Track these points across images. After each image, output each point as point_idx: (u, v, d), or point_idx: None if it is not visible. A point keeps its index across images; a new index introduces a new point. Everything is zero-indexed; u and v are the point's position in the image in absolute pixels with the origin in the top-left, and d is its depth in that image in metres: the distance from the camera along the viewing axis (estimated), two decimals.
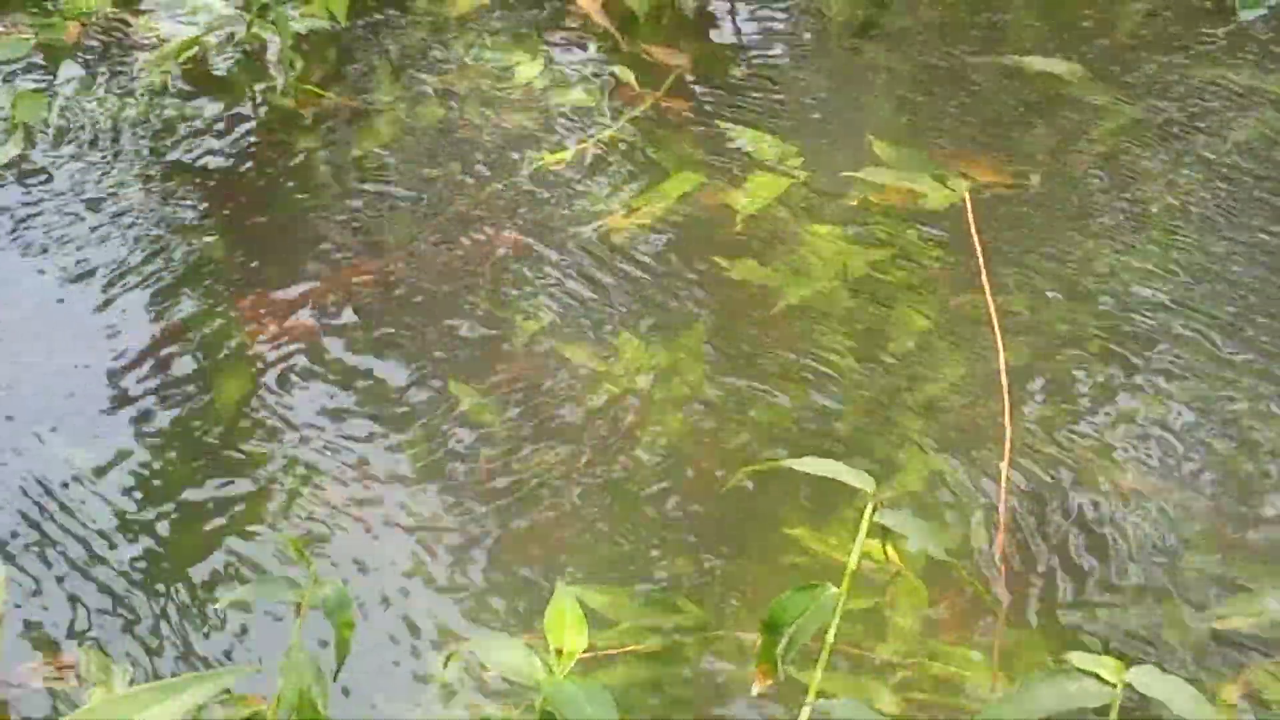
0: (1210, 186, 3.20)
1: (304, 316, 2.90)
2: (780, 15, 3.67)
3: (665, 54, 3.48)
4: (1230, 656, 2.41)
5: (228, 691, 2.29)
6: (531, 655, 2.01)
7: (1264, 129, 3.33)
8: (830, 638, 2.04)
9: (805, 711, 2.07)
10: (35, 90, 3.31)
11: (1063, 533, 2.57)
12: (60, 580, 2.46)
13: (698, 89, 3.44)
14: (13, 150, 3.18)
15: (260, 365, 2.81)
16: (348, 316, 2.90)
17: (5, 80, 3.35)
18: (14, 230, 3.05)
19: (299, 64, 3.43)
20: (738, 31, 3.62)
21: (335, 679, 2.21)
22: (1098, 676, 1.99)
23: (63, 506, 2.56)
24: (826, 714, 2.00)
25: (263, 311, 2.90)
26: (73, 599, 2.43)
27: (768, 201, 3.12)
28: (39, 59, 3.42)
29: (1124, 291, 2.98)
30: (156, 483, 2.61)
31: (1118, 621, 2.45)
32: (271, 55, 3.45)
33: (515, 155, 3.24)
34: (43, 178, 3.15)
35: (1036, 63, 3.48)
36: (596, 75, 3.46)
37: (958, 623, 2.44)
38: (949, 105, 3.39)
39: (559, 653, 2.01)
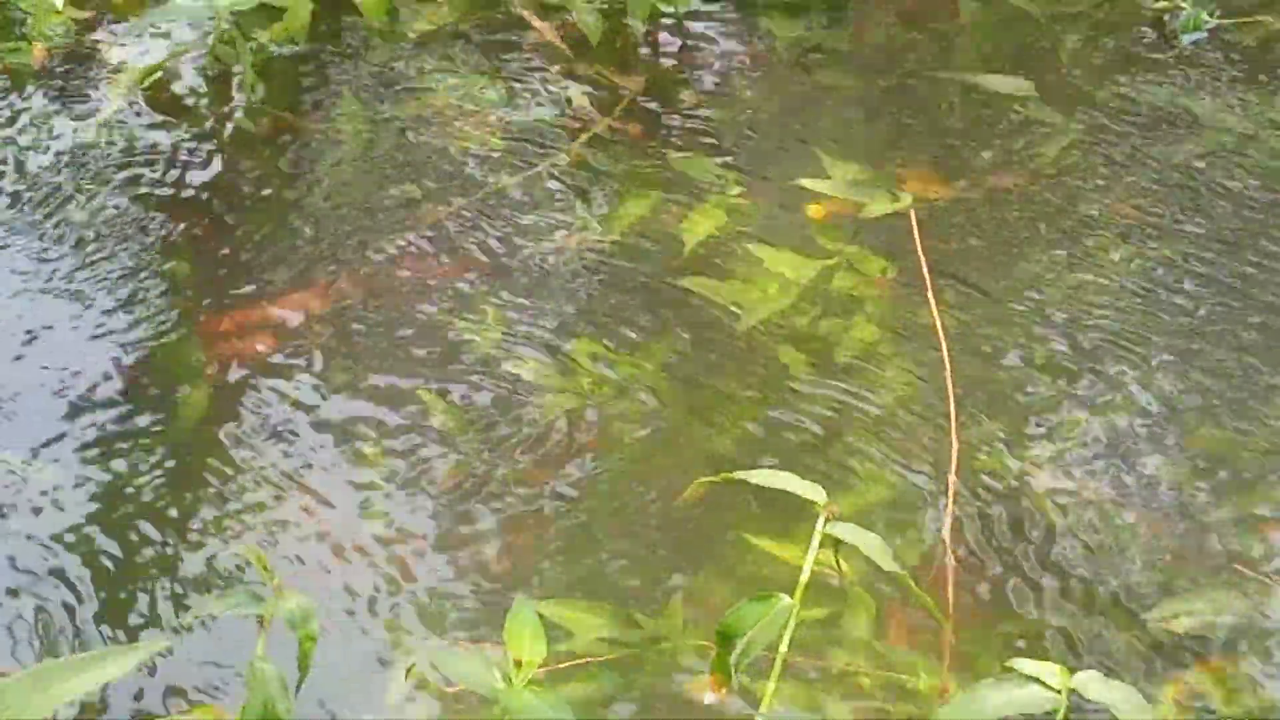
0: (1152, 204, 3.22)
1: (266, 334, 2.90)
2: (728, 37, 3.68)
3: (619, 77, 3.49)
4: (1171, 659, 2.44)
5: (193, 703, 2.31)
6: (491, 666, 2.02)
7: (1204, 148, 3.35)
8: (783, 647, 2.06)
9: None
10: None
11: (1009, 541, 2.59)
12: (22, 587, 2.47)
13: (651, 110, 3.45)
14: None
15: (221, 381, 2.82)
16: (308, 333, 2.91)
17: None
18: None
19: (260, 87, 3.43)
20: (688, 54, 3.63)
21: (299, 691, 2.22)
22: (1043, 682, 2.01)
23: (23, 515, 2.58)
24: None
25: (225, 330, 2.91)
26: (37, 607, 2.44)
27: (721, 218, 3.13)
28: (4, 83, 3.41)
29: (1069, 305, 3.00)
30: (117, 496, 2.61)
31: (1063, 626, 2.47)
32: (234, 79, 3.44)
33: (474, 176, 3.24)
34: (6, 200, 3.15)
35: (985, 80, 3.50)
36: (553, 97, 3.47)
37: (908, 630, 2.46)
38: (897, 122, 3.42)
39: (518, 663, 2.02)
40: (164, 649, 2.35)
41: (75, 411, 2.76)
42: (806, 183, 3.21)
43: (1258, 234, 3.17)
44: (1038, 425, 2.79)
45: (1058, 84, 3.50)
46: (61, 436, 2.71)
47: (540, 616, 2.08)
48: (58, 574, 2.49)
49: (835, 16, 3.73)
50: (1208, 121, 3.42)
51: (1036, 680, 2.02)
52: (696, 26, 3.70)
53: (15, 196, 3.16)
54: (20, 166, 3.23)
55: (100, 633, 2.40)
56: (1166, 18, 3.68)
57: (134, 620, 2.43)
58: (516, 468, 2.68)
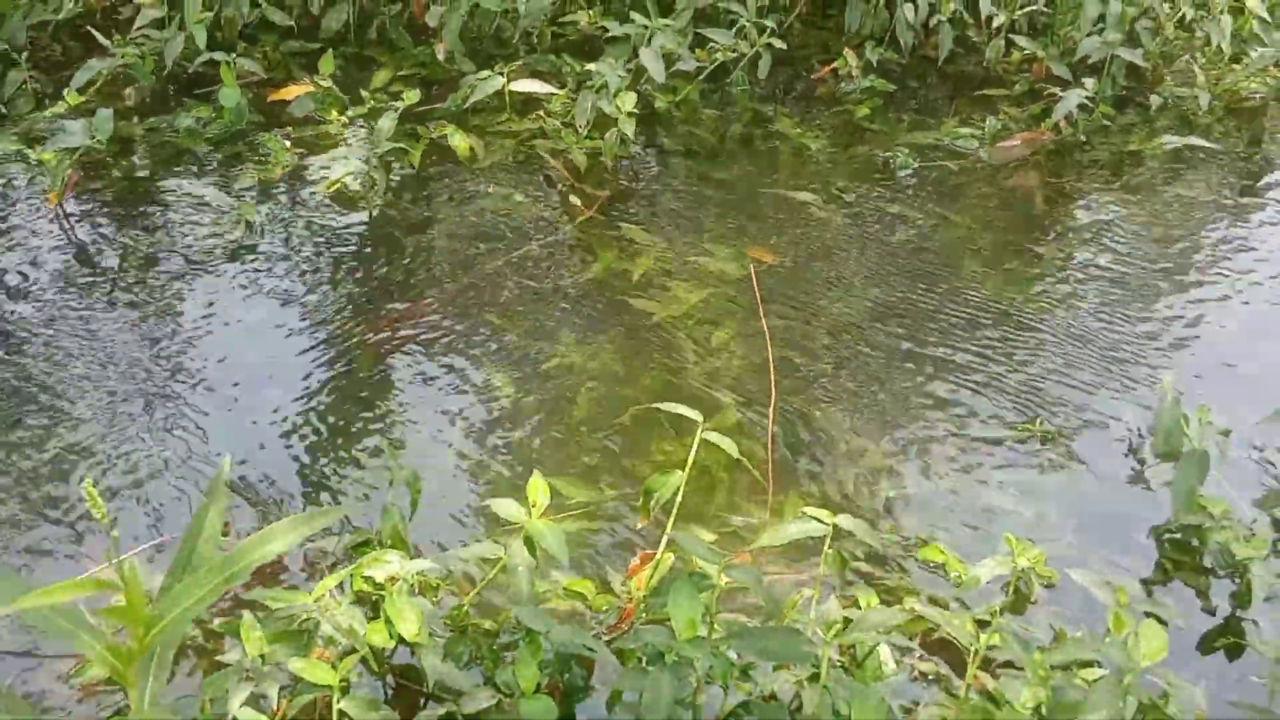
0: (884, 263, 3.24)
1: (400, 323, 2.90)
2: (657, 170, 3.67)
3: (596, 190, 3.48)
4: (892, 509, 2.46)
5: (351, 526, 2.30)
6: (519, 507, 2.03)
7: (911, 234, 3.37)
8: (678, 499, 2.06)
9: (664, 540, 2.08)
10: (250, 202, 3.28)
11: (803, 444, 2.61)
12: (261, 462, 2.46)
13: (614, 208, 3.43)
14: (238, 233, 3.16)
15: (381, 350, 2.82)
16: (423, 324, 2.91)
17: (239, 198, 3.31)
18: (241, 278, 3.03)
19: (394, 191, 3.41)
20: (635, 178, 3.62)
21: (411, 520, 2.22)
22: (820, 520, 2.02)
23: (271, 422, 2.56)
24: (675, 541, 2.02)
25: (382, 323, 2.90)
26: (265, 474, 2.43)
27: (650, 267, 3.13)
28: (259, 188, 3.39)
29: (838, 318, 3.02)
30: (324, 414, 2.61)
31: (833, 491, 2.48)
32: (379, 186, 3.42)
33: (513, 241, 3.23)
34: (261, 252, 3.13)
35: (791, 194, 3.50)
36: (559, 200, 3.45)
37: (748, 494, 2.47)
38: (744, 217, 3.41)
39: (533, 505, 2.02)
40: (350, 511, 2.35)
41: (300, 364, 2.75)
42: (697, 259, 3.20)
43: (936, 278, 3.19)
44: (820, 382, 2.81)
45: (831, 197, 3.51)
46: (293, 377, 2.71)
47: (547, 483, 2.08)
48: (285, 451, 2.49)
49: (714, 159, 3.72)
50: (911, 219, 3.44)
51: (816, 519, 2.03)
52: (640, 163, 3.68)
53: (266, 251, 3.14)
54: (266, 231, 3.20)
55: (307, 495, 2.40)
56: (890, 160, 3.68)
57: (331, 482, 2.42)
58: (534, 402, 2.68)
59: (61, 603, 1.47)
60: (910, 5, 4.05)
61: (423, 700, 1.98)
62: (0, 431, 2.49)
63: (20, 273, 2.98)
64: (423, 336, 2.87)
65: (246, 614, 1.91)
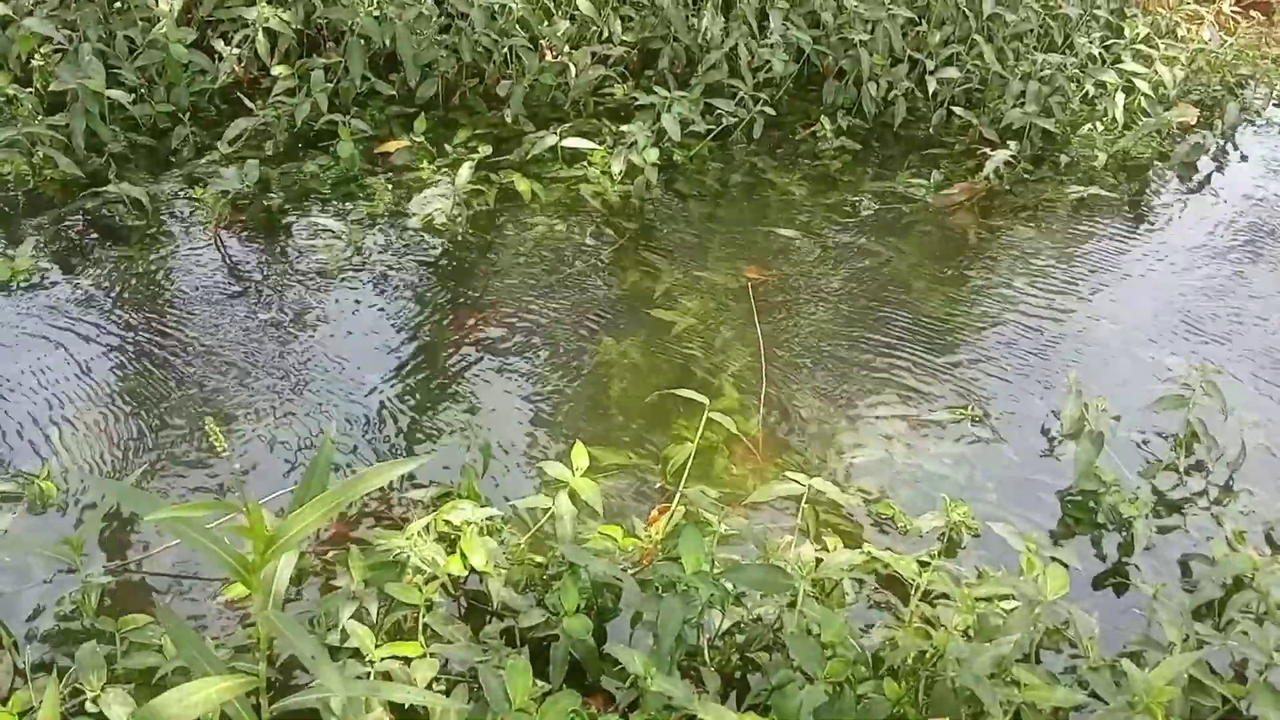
0: (850, 284, 3.20)
1: (477, 324, 2.87)
2: (674, 209, 3.63)
3: (628, 224, 3.44)
4: (858, 474, 2.43)
5: (432, 481, 2.28)
6: (565, 468, 2.01)
7: (872, 261, 3.33)
8: (689, 464, 2.05)
9: (677, 495, 2.07)
10: (360, 230, 3.26)
11: (788, 421, 2.57)
12: (363, 424, 2.44)
13: (641, 238, 3.40)
14: (350, 253, 3.14)
15: (460, 344, 2.78)
16: (487, 323, 2.87)
17: (352, 226, 3.28)
18: (352, 286, 3.01)
19: (471, 223, 3.38)
20: (657, 214, 3.59)
21: (482, 476, 2.20)
22: (798, 482, 2.00)
23: (369, 395, 2.54)
24: (685, 495, 2.01)
25: (459, 323, 2.87)
26: (366, 435, 2.41)
27: (668, 285, 3.10)
28: (367, 218, 3.36)
29: (808, 322, 2.97)
30: (413, 389, 2.59)
31: (809, 460, 2.45)
32: (460, 219, 3.39)
33: (566, 260, 3.20)
34: (366, 270, 3.11)
35: (779, 230, 3.46)
36: (599, 232, 3.42)
37: (741, 460, 2.44)
38: (742, 246, 3.37)
39: (575, 467, 2.01)
40: (430, 459, 2.33)
41: (393, 351, 2.73)
42: (703, 274, 3.17)
43: (891, 296, 3.15)
44: (797, 369, 2.77)
45: (809, 231, 3.46)
46: (392, 363, 2.68)
47: (586, 450, 2.06)
48: (381, 417, 2.46)
49: (718, 202, 3.68)
50: (872, 250, 3.39)
51: (795, 481, 2.01)
52: (661, 203, 3.64)
53: (372, 267, 3.11)
54: (372, 252, 3.18)
55: (417, 439, 2.38)
56: (856, 203, 3.64)
57: (416, 443, 2.40)
58: (573, 388, 2.65)
59: (194, 519, 1.43)
60: (873, 84, 4.02)
61: (488, 617, 1.97)
62: (165, 396, 2.50)
63: (185, 282, 2.99)
64: (492, 334, 2.85)
65: (353, 549, 1.91)
